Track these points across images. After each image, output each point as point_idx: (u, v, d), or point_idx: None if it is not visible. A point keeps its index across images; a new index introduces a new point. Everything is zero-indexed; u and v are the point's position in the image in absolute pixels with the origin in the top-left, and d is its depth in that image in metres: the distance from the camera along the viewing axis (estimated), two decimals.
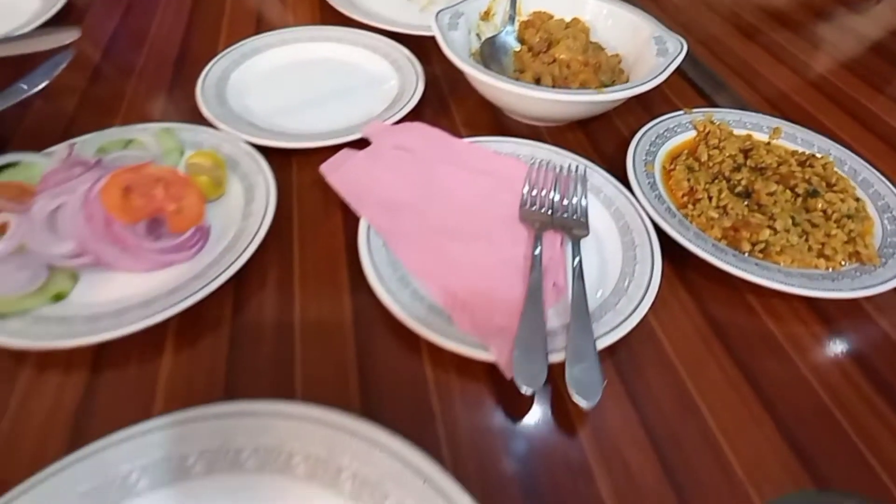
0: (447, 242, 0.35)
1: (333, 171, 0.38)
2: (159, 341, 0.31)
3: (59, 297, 0.31)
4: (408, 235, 0.35)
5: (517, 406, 0.29)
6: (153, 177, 0.34)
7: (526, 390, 0.27)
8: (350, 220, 0.38)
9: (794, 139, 0.46)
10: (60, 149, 0.36)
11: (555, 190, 0.39)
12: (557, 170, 0.41)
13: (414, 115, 0.46)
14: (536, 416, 0.29)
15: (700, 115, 0.46)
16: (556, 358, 0.29)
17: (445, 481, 0.24)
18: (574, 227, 0.37)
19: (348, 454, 0.25)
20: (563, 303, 0.33)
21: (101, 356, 0.30)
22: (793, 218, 0.37)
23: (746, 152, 0.43)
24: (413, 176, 0.39)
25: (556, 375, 0.29)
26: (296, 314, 0.33)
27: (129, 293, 0.32)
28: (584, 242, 0.36)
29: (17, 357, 0.30)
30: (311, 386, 0.29)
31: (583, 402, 0.27)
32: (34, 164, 0.36)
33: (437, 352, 0.31)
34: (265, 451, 0.25)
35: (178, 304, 0.30)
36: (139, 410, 0.28)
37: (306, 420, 0.26)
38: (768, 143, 0.44)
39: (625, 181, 0.40)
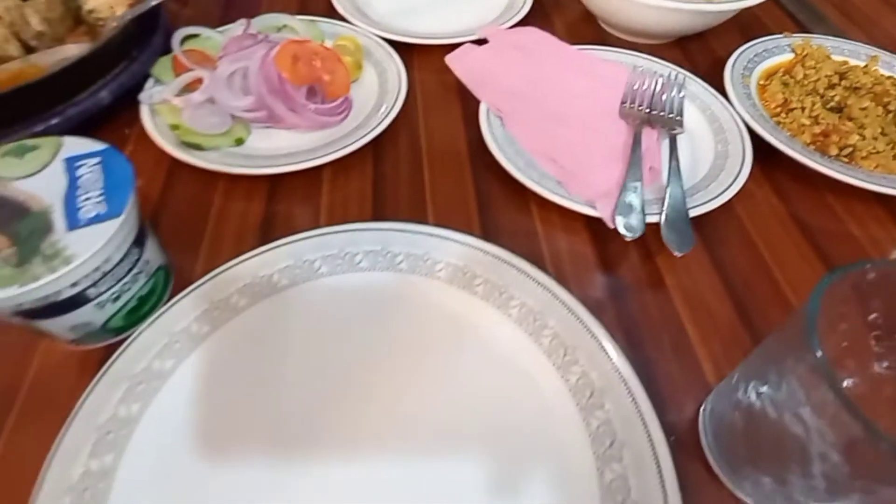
0: (557, 126, 0.40)
1: (457, 62, 0.44)
2: (318, 181, 0.38)
3: (239, 142, 0.39)
4: (523, 119, 0.40)
5: (614, 255, 0.35)
6: (312, 51, 0.40)
7: (627, 236, 0.33)
8: (467, 107, 0.43)
9: (892, 68, 0.47)
10: (235, 26, 0.43)
11: (653, 92, 0.43)
12: (656, 76, 0.44)
13: (521, 25, 0.50)
14: (632, 262, 0.34)
15: (798, 38, 0.48)
16: (651, 219, 0.34)
17: (562, 292, 0.30)
18: (670, 124, 0.41)
19: (481, 266, 0.31)
20: (656, 185, 0.38)
21: (276, 186, 0.37)
22: (882, 129, 0.39)
23: (842, 74, 0.45)
24: (527, 71, 0.43)
25: (651, 233, 0.34)
26: (425, 168, 0.39)
27: (293, 146, 0.39)
28: (678, 140, 0.40)
29: (212, 180, 0.37)
30: (441, 222, 0.35)
31: (676, 251, 0.32)
32: (211, 38, 0.43)
33: (545, 208, 0.36)
34: (415, 257, 0.32)
35: (333, 153, 0.37)
36: (309, 227, 0.34)
37: (446, 238, 0.32)
38: (865, 67, 0.46)
39: (721, 92, 0.43)
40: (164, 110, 0.38)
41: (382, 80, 0.44)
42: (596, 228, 0.36)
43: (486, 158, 0.38)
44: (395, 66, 0.44)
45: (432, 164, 0.40)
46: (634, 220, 0.34)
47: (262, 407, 0.27)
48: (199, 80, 0.39)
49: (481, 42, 0.47)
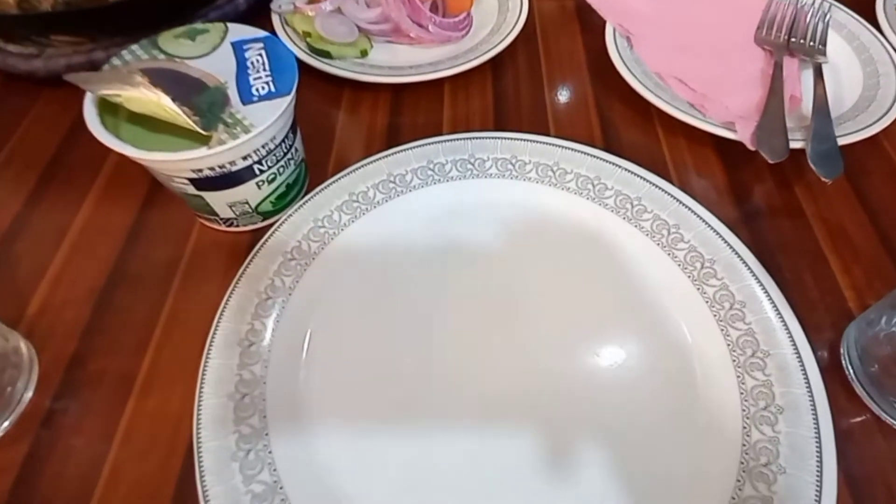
0: (688, 50, 0.38)
1: None
2: (439, 95, 0.38)
3: (364, 54, 0.39)
4: (652, 41, 0.38)
5: (748, 182, 0.33)
6: None
7: (771, 159, 0.31)
8: (587, 30, 0.42)
9: None
10: None
11: (794, 19, 0.40)
12: (797, 2, 0.41)
13: None
14: (767, 189, 0.33)
15: None
16: (795, 145, 0.32)
17: (698, 206, 0.29)
18: (812, 53, 0.38)
19: (612, 178, 0.31)
20: (797, 114, 0.36)
21: (398, 97, 0.38)
22: None
23: None
24: None
25: (788, 161, 0.32)
26: (545, 87, 0.39)
27: (413, 59, 0.39)
28: (823, 69, 0.37)
29: (339, 89, 0.38)
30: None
31: (824, 176, 0.31)
32: None
33: (672, 131, 0.35)
34: (544, 167, 0.32)
35: (455, 66, 0.37)
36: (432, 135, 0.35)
37: (576, 150, 0.32)
38: None
39: (871, 23, 0.40)
40: (295, 19, 0.39)
41: (502, 2, 0.43)
42: (728, 154, 0.34)
43: (609, 78, 0.38)
44: None
45: (552, 83, 0.39)
46: (778, 143, 0.32)
47: (392, 290, 0.28)
48: None
49: None
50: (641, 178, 0.31)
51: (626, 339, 0.27)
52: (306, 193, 0.31)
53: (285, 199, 0.31)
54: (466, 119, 0.37)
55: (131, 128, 0.26)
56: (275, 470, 0.22)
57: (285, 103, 0.25)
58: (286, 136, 0.28)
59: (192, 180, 0.26)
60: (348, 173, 0.31)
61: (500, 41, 0.39)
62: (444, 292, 0.28)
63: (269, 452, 0.22)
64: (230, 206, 0.28)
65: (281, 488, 0.22)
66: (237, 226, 0.30)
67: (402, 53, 0.40)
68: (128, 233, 0.32)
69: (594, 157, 0.32)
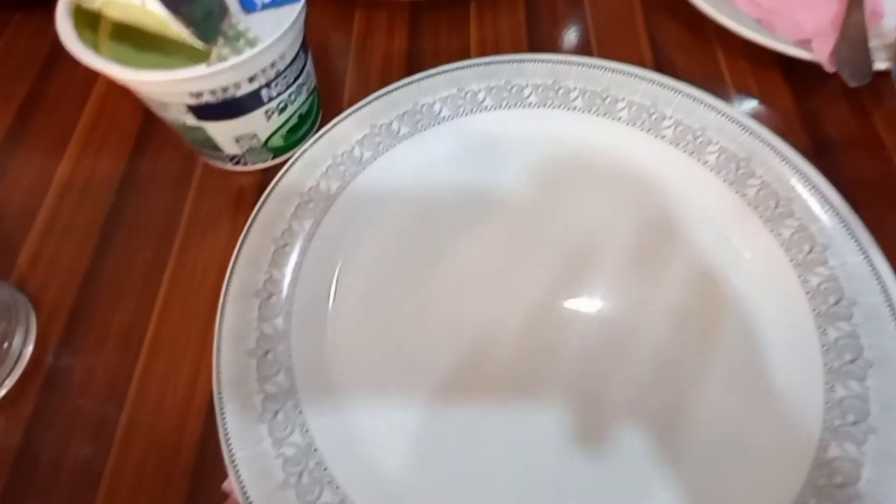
0: None
1: None
2: (464, 18, 0.33)
3: None
4: None
5: (820, 109, 0.29)
6: None
7: (853, 82, 0.27)
8: None
9: None
10: None
11: None
12: None
13: None
14: (842, 118, 0.29)
15: None
16: (878, 67, 0.28)
17: (772, 137, 0.25)
18: None
19: (670, 106, 0.27)
20: (878, 29, 0.31)
21: (417, 19, 0.33)
22: None
23: None
24: None
25: (866, 87, 0.28)
26: (585, 4, 0.34)
27: None
28: None
29: (349, 9, 0.34)
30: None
31: None
32: None
33: (734, 52, 0.31)
34: (591, 94, 0.28)
35: None
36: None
37: (628, 73, 0.28)
38: None
39: None
40: None
41: None
42: (798, 78, 0.30)
43: None
44: None
45: (595, 2, 0.34)
46: (861, 63, 0.28)
47: (421, 234, 0.25)
48: None
49: None
50: (706, 104, 0.27)
51: (687, 291, 0.24)
52: (320, 128, 0.27)
53: (298, 133, 0.27)
54: (496, 41, 0.33)
55: (115, 46, 0.21)
56: (307, 431, 0.20)
57: (295, 11, 0.21)
58: (297, 56, 0.23)
59: (190, 108, 0.22)
60: (368, 103, 0.27)
61: None
62: (478, 237, 0.25)
63: (300, 413, 0.20)
64: (236, 141, 0.25)
65: (315, 450, 0.20)
66: (245, 164, 0.27)
67: None
68: (121, 175, 0.28)
69: (650, 81, 0.27)
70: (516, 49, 0.32)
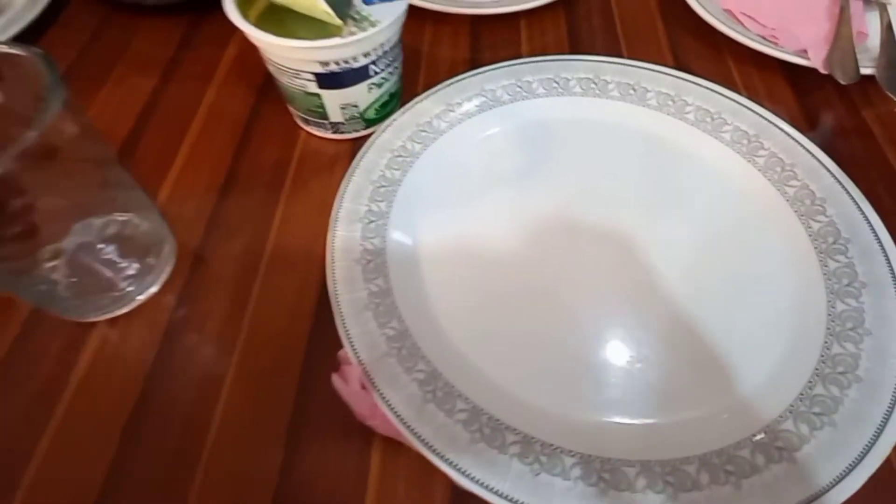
0: None
1: None
2: (515, 29, 0.40)
3: None
4: None
5: (818, 107, 0.35)
6: None
7: (844, 80, 0.33)
8: None
9: None
10: None
11: None
12: None
13: None
14: (837, 114, 0.35)
15: None
16: (865, 71, 0.34)
17: (777, 119, 0.31)
18: None
19: (692, 95, 0.33)
20: (864, 46, 0.37)
21: (477, 30, 0.40)
22: None
23: None
24: None
25: (855, 88, 0.34)
26: (617, 25, 0.41)
27: None
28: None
29: (420, 21, 0.41)
30: None
31: (893, 94, 0.32)
32: None
33: (743, 62, 0.37)
34: (625, 85, 0.34)
35: (529, 2, 0.40)
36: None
37: (656, 70, 0.34)
38: None
39: None
40: None
41: None
42: (798, 81, 0.36)
43: (678, 14, 0.40)
44: None
45: (623, 19, 0.41)
46: (849, 65, 0.34)
47: (485, 191, 0.30)
48: None
49: None
50: (721, 94, 0.33)
51: (711, 241, 0.28)
52: (401, 106, 0.34)
53: (387, 108, 0.33)
54: (544, 51, 0.39)
55: (261, 26, 0.28)
56: (402, 320, 0.25)
57: (404, 5, 0.28)
58: (396, 42, 0.30)
59: (317, 75, 0.28)
60: (444, 87, 0.33)
61: None
62: (532, 188, 0.31)
63: (396, 308, 0.25)
64: (342, 109, 0.31)
65: (409, 333, 0.24)
66: (342, 132, 0.33)
67: None
68: (240, 137, 0.34)
69: (674, 76, 0.34)
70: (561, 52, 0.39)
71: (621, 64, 0.35)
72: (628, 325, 0.26)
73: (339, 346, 0.24)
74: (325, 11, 0.26)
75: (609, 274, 0.27)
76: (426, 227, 0.29)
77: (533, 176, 0.31)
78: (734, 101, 0.32)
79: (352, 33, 0.26)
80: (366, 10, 0.28)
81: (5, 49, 0.21)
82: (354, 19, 0.27)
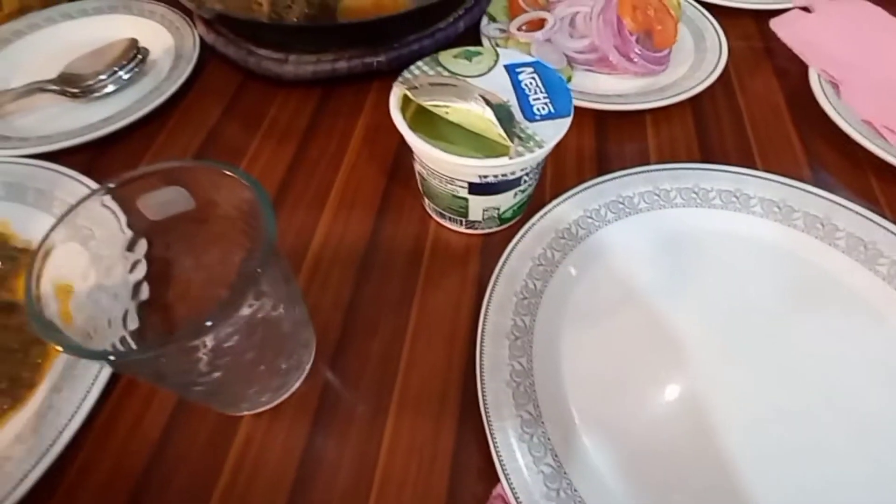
0: None
1: (784, 27, 0.44)
2: (641, 124, 0.40)
3: (569, 80, 0.42)
4: (861, 88, 0.39)
5: None
6: (647, 0, 0.42)
7: None
8: (783, 74, 0.44)
9: None
10: None
11: None
12: None
13: None
14: None
15: None
16: None
17: None
18: None
19: (843, 219, 0.32)
20: None
21: (602, 124, 0.40)
22: None
23: None
24: (861, 42, 0.42)
25: None
26: (747, 127, 0.40)
27: (612, 89, 0.42)
28: None
29: None
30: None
31: None
32: None
33: (887, 180, 0.36)
34: (769, 202, 0.33)
35: (662, 99, 0.39)
36: (641, 164, 0.36)
37: (802, 189, 0.33)
38: None
39: None
40: (509, 44, 0.43)
41: (698, 39, 0.45)
42: None
43: (812, 121, 0.39)
44: (712, 26, 0.45)
45: (753, 121, 0.41)
46: None
47: (627, 301, 0.30)
48: (541, 21, 0.43)
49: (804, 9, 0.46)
50: (876, 223, 0.31)
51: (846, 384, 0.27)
52: (533, 206, 0.34)
53: (522, 209, 0.33)
54: (672, 148, 0.39)
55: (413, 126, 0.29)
56: (556, 456, 0.24)
57: (567, 123, 0.28)
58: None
59: (471, 184, 0.29)
60: (581, 191, 0.33)
61: (705, 78, 0.41)
62: (670, 302, 0.30)
63: (548, 439, 0.24)
64: (483, 210, 0.31)
65: (565, 473, 0.24)
66: (477, 229, 0.33)
67: (601, 82, 0.43)
68: (370, 231, 0.35)
69: (820, 196, 0.33)
70: (690, 155, 0.38)
71: (763, 178, 0.34)
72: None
73: (484, 462, 0.24)
74: (499, 135, 0.26)
75: (760, 405, 0.26)
76: (568, 346, 0.28)
77: (677, 291, 0.31)
78: (891, 231, 0.31)
79: (519, 154, 0.27)
80: (530, 127, 0.28)
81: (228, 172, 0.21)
82: (520, 138, 0.27)
